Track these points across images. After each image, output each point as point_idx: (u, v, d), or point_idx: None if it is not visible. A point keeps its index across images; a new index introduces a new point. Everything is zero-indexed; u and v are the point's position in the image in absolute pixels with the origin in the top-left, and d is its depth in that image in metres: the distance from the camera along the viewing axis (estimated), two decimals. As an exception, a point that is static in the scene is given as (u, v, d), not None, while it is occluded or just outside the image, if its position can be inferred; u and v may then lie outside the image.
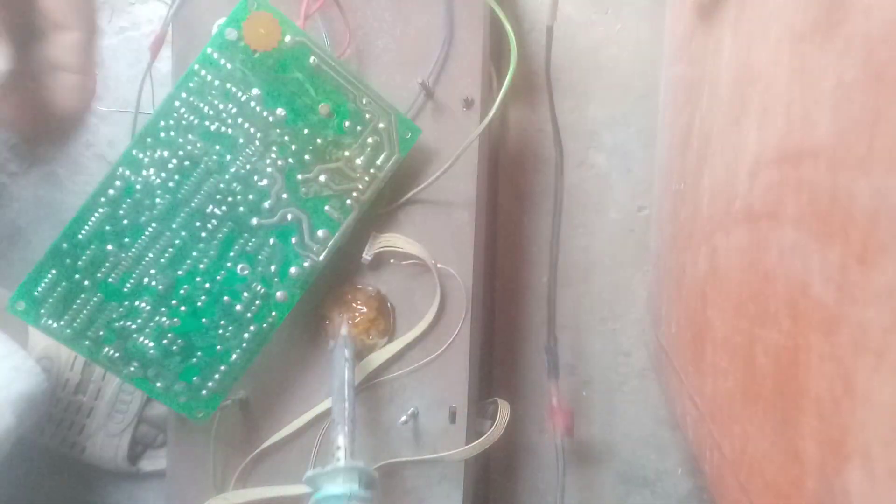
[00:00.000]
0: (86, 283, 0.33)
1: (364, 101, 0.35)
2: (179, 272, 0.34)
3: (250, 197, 0.34)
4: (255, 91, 0.34)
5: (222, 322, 0.35)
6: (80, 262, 0.33)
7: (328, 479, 0.31)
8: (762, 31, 0.24)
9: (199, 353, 0.35)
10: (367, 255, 0.38)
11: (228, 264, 0.35)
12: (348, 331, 0.37)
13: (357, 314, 0.38)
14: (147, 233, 0.33)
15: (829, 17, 0.18)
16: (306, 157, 0.35)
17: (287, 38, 0.33)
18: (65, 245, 0.33)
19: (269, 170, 0.34)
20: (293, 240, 0.35)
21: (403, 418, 0.38)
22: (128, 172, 0.33)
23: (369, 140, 0.35)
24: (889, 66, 0.14)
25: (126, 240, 0.33)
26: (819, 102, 0.18)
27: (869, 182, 0.15)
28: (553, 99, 0.50)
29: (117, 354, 0.34)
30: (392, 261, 0.38)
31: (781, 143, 0.21)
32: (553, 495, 0.58)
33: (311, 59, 0.34)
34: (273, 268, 0.35)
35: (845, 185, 0.16)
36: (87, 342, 0.34)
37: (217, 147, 0.34)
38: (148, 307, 0.34)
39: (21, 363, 0.41)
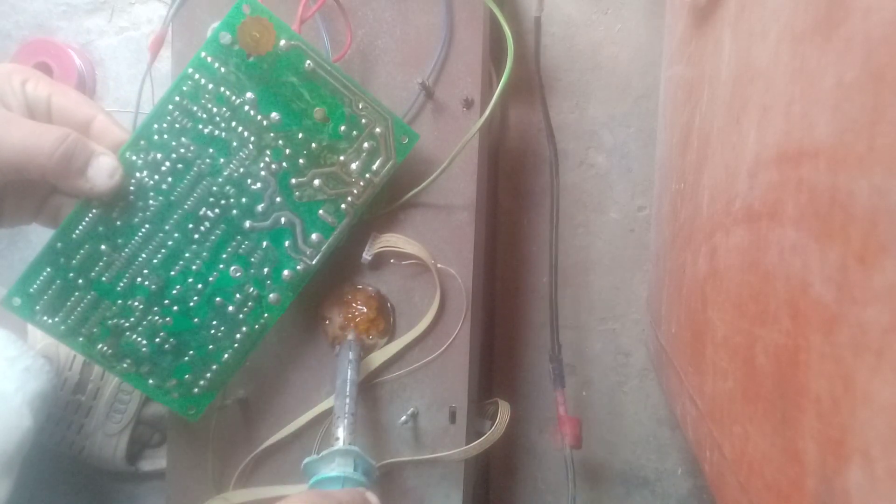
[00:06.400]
0: (80, 281, 0.33)
1: (360, 106, 0.34)
2: (172, 273, 0.34)
3: (243, 200, 0.34)
4: (249, 95, 0.33)
5: (214, 322, 0.35)
6: (74, 261, 0.33)
7: (324, 462, 0.32)
8: (762, 31, 0.24)
9: (191, 352, 0.35)
10: (367, 255, 0.38)
11: (221, 266, 0.35)
12: (356, 336, 0.38)
13: (357, 314, 0.38)
14: (140, 234, 0.34)
15: (829, 17, 0.18)
16: (300, 161, 0.35)
17: (282, 43, 0.33)
18: (59, 244, 0.33)
19: (262, 173, 0.34)
20: (286, 243, 0.35)
21: (403, 418, 0.38)
22: None
23: (365, 145, 0.35)
24: (889, 66, 0.14)
25: (119, 240, 0.33)
26: (819, 102, 0.18)
27: (869, 182, 0.15)
28: (545, 95, 0.50)
29: (111, 351, 0.34)
30: (392, 261, 0.38)
31: (781, 142, 0.21)
32: (553, 495, 0.58)
33: (307, 63, 0.33)
34: (266, 270, 0.35)
35: (845, 185, 0.16)
36: (81, 338, 0.34)
37: (210, 150, 0.34)
38: (141, 306, 0.34)
39: (31, 363, 0.41)
